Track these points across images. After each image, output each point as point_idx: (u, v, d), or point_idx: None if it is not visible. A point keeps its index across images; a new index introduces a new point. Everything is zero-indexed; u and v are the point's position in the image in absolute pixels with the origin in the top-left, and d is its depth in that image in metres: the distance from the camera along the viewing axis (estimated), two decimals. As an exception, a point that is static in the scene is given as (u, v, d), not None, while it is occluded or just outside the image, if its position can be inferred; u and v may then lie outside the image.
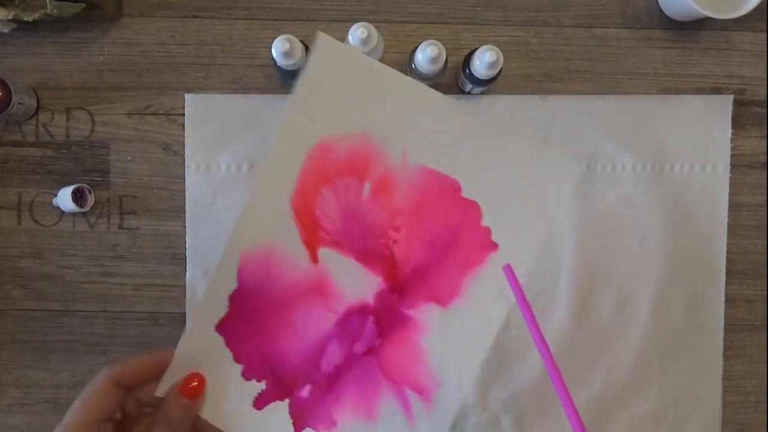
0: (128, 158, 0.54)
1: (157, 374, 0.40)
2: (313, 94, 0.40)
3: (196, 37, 0.54)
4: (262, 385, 0.42)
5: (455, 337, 0.41)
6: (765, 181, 0.55)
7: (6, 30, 0.51)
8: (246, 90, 0.54)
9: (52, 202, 0.53)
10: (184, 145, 0.53)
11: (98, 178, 0.54)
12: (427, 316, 0.41)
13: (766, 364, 0.55)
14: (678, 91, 0.54)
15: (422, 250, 0.42)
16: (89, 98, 0.54)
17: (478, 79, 0.49)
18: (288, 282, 0.42)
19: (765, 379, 0.55)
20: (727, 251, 0.54)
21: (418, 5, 0.54)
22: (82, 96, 0.54)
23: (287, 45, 0.46)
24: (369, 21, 0.47)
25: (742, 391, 0.55)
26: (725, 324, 0.55)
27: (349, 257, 0.42)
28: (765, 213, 0.55)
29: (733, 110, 0.54)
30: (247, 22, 0.54)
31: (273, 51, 0.47)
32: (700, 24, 0.54)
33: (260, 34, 0.54)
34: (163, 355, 0.41)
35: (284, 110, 0.51)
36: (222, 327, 0.42)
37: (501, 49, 0.47)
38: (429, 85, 0.48)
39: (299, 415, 0.42)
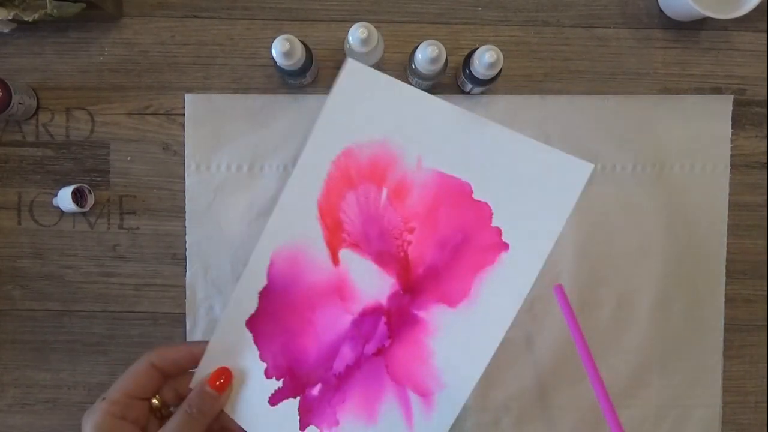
0: (128, 158, 0.54)
1: (192, 365, 0.44)
2: (339, 110, 0.43)
3: (196, 37, 0.54)
4: (279, 383, 0.44)
5: (462, 338, 0.41)
6: (765, 181, 0.55)
7: (6, 30, 0.51)
8: (246, 90, 0.54)
9: (52, 202, 0.53)
10: (184, 145, 0.53)
11: (98, 178, 0.54)
12: (436, 317, 0.42)
13: (766, 364, 0.55)
14: (678, 91, 0.54)
15: (434, 251, 0.42)
16: (89, 98, 0.54)
17: (478, 79, 0.49)
18: (312, 282, 0.44)
19: (765, 379, 0.55)
20: (727, 251, 0.54)
21: (418, 5, 0.54)
22: (82, 96, 0.54)
23: (287, 45, 0.46)
24: (369, 21, 0.47)
25: (742, 391, 0.55)
26: (725, 324, 0.55)
27: (367, 258, 0.43)
28: (765, 213, 0.55)
29: (733, 110, 0.54)
30: (247, 22, 0.54)
31: (273, 51, 0.47)
32: (700, 24, 0.54)
33: (260, 34, 0.54)
34: (196, 347, 0.44)
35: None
36: (252, 323, 0.44)
37: (501, 49, 0.47)
38: (429, 86, 0.49)
39: (306, 412, 0.44)
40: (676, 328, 0.54)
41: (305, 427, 0.43)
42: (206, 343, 0.44)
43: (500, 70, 0.49)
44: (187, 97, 0.53)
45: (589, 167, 0.39)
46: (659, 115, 0.54)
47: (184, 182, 0.54)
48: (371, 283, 0.43)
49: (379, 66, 0.52)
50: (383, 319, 0.43)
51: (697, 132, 0.54)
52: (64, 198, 0.51)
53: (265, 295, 0.44)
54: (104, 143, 0.54)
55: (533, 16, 0.54)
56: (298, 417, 0.43)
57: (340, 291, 0.44)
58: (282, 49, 0.46)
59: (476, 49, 0.48)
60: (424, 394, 0.42)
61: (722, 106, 0.54)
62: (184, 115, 0.53)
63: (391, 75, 0.52)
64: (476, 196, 0.41)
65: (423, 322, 0.42)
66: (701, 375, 0.55)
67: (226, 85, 0.54)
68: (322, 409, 0.43)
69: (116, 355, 0.55)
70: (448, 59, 0.49)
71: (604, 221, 0.54)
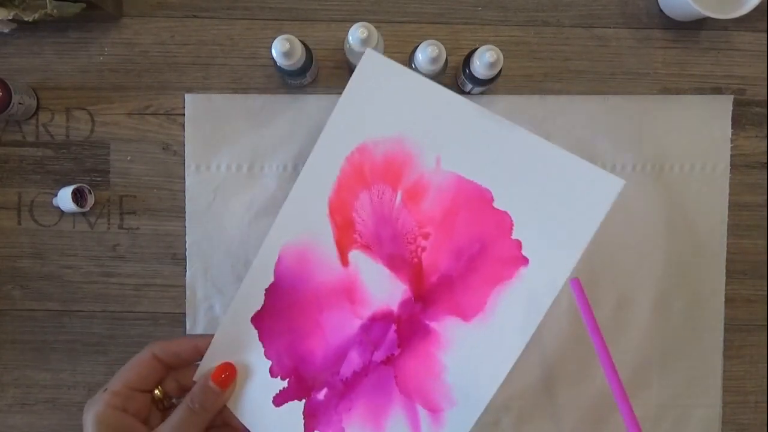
0: (128, 158, 0.54)
1: (195, 358, 0.43)
2: (355, 102, 0.41)
3: (196, 37, 0.54)
4: (284, 384, 0.43)
5: (475, 355, 0.39)
6: (765, 181, 0.55)
7: (6, 30, 0.51)
8: (246, 90, 0.54)
9: (52, 202, 0.53)
10: (184, 145, 0.53)
11: (98, 178, 0.54)
12: (448, 330, 0.40)
13: (766, 364, 0.55)
14: (678, 91, 0.54)
15: (449, 259, 0.40)
16: (89, 98, 0.54)
17: (478, 79, 0.49)
18: (320, 282, 0.43)
19: (765, 379, 0.55)
20: (727, 251, 0.54)
21: (418, 5, 0.54)
22: (82, 96, 0.54)
23: (287, 45, 0.46)
24: (369, 21, 0.47)
25: (742, 391, 0.55)
26: (725, 324, 0.55)
27: (378, 262, 0.42)
28: (765, 213, 0.55)
29: (733, 110, 0.54)
30: (247, 22, 0.54)
31: (273, 51, 0.47)
32: (700, 24, 0.54)
33: (260, 34, 0.54)
34: (201, 341, 0.44)
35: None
36: (257, 319, 0.43)
37: (501, 49, 0.47)
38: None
39: (311, 417, 0.42)
40: (676, 328, 0.54)
41: None
42: (210, 336, 0.43)
43: (500, 70, 0.49)
44: (187, 97, 0.53)
45: (619, 183, 0.37)
46: (659, 115, 0.54)
47: (184, 182, 0.54)
48: (382, 287, 0.42)
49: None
50: (393, 326, 0.41)
51: (697, 132, 0.54)
52: (64, 198, 0.51)
53: (271, 292, 0.43)
54: (104, 143, 0.54)
55: (533, 16, 0.54)
56: (303, 421, 0.42)
57: (349, 293, 0.42)
58: (282, 49, 0.46)
59: (476, 49, 0.48)
60: (434, 410, 0.40)
61: (722, 106, 0.54)
62: (184, 115, 0.53)
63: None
64: (497, 204, 0.39)
65: (435, 333, 0.40)
66: (701, 375, 0.55)
67: (225, 85, 0.54)
68: (328, 415, 0.42)
69: (116, 355, 0.54)
70: (448, 59, 0.49)
71: (604, 221, 0.54)
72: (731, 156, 0.54)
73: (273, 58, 0.47)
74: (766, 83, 0.55)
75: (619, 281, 0.54)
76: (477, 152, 0.40)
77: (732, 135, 0.54)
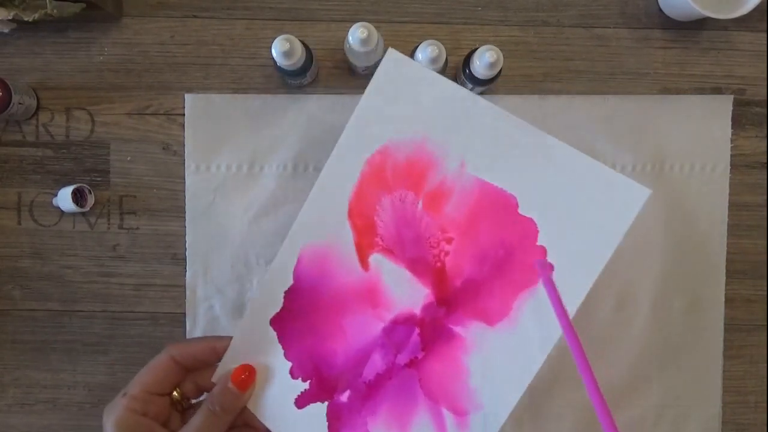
0: (128, 158, 0.54)
1: (213, 360, 0.43)
2: (376, 103, 0.41)
3: (196, 37, 0.54)
4: (306, 385, 0.43)
5: (500, 359, 0.39)
6: (765, 181, 0.55)
7: (6, 30, 0.51)
8: (246, 90, 0.54)
9: (52, 202, 0.53)
10: (184, 145, 0.53)
11: (98, 178, 0.54)
12: (473, 334, 0.40)
13: (766, 364, 0.55)
14: (678, 91, 0.54)
15: (473, 264, 0.40)
16: (89, 98, 0.54)
17: (478, 79, 0.49)
18: (341, 284, 0.42)
19: (765, 379, 0.55)
20: (727, 251, 0.54)
21: (418, 5, 0.54)
22: (82, 96, 0.54)
23: (287, 45, 0.46)
24: (369, 21, 0.47)
25: (742, 391, 0.55)
26: (725, 324, 0.55)
27: (400, 265, 0.42)
28: (765, 213, 0.55)
29: (733, 110, 0.54)
30: (247, 22, 0.54)
31: (273, 51, 0.47)
32: (700, 24, 0.54)
33: (260, 34, 0.54)
34: (219, 342, 0.43)
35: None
36: (276, 321, 0.43)
37: (501, 49, 0.47)
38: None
39: (335, 420, 0.42)
40: (676, 328, 0.54)
41: None
42: (228, 338, 0.43)
43: (500, 70, 0.49)
44: (187, 97, 0.53)
45: (645, 192, 0.37)
46: (659, 115, 0.54)
47: (184, 182, 0.54)
48: (404, 291, 0.41)
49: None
50: (416, 330, 0.41)
51: (697, 132, 0.54)
52: (64, 198, 0.51)
53: (290, 294, 0.43)
54: (104, 143, 0.54)
55: (533, 16, 0.54)
56: (327, 423, 0.42)
57: (371, 297, 0.42)
58: (282, 49, 0.46)
59: (476, 49, 0.48)
60: (459, 414, 0.40)
61: (722, 106, 0.54)
62: (184, 115, 0.53)
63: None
64: (522, 211, 0.39)
65: (459, 338, 0.40)
66: (701, 375, 0.55)
67: (225, 85, 0.54)
68: (352, 418, 0.42)
69: (116, 355, 0.55)
70: (448, 59, 0.49)
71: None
72: (731, 156, 0.54)
73: (273, 58, 0.47)
74: (766, 83, 0.55)
75: (618, 281, 0.54)
76: (502, 157, 0.40)
77: (732, 135, 0.54)
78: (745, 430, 0.55)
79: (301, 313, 0.43)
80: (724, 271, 0.54)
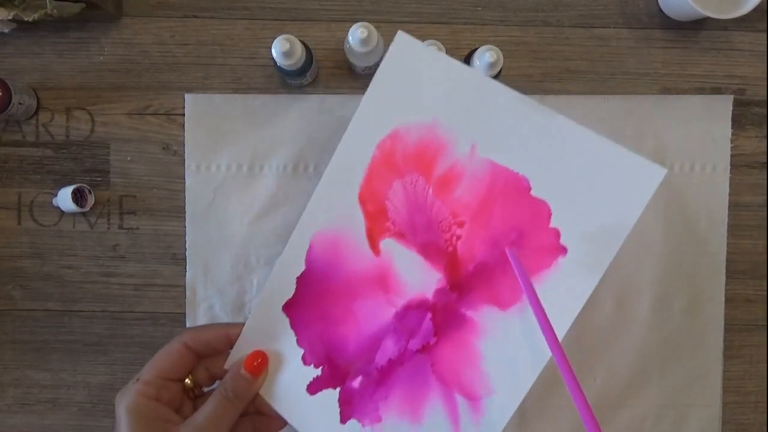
0: (128, 158, 0.54)
1: (226, 346, 0.43)
2: (387, 87, 0.41)
3: (196, 37, 0.54)
4: (318, 371, 0.43)
5: (513, 343, 0.39)
6: (765, 181, 0.55)
7: (6, 30, 0.51)
8: (246, 90, 0.54)
9: (52, 202, 0.53)
10: (184, 145, 0.53)
11: (98, 178, 0.54)
12: (485, 318, 0.40)
13: (766, 364, 0.55)
14: (678, 91, 0.54)
15: (485, 248, 0.40)
16: (89, 98, 0.54)
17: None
18: (352, 270, 0.42)
19: (765, 379, 0.55)
20: (727, 251, 0.54)
21: (418, 5, 0.54)
22: (82, 96, 0.54)
23: (287, 45, 0.46)
24: (369, 21, 0.47)
25: (742, 391, 0.55)
26: (725, 324, 0.55)
27: (411, 250, 0.42)
28: (765, 213, 0.55)
29: (733, 110, 0.54)
30: (247, 22, 0.54)
31: (273, 51, 0.47)
32: (700, 24, 0.54)
33: (260, 34, 0.54)
34: (232, 328, 0.43)
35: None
36: (289, 308, 0.43)
37: (501, 49, 0.47)
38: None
39: (347, 405, 0.42)
40: (676, 328, 0.54)
41: (346, 420, 0.42)
42: (241, 325, 0.43)
43: (500, 70, 0.49)
44: (187, 97, 0.53)
45: (661, 172, 0.37)
46: (659, 115, 0.54)
47: (184, 182, 0.54)
48: (416, 276, 0.41)
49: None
50: (428, 315, 0.41)
51: (697, 132, 0.54)
52: (64, 198, 0.51)
53: (303, 280, 0.43)
54: (104, 143, 0.54)
55: (533, 16, 0.54)
56: (339, 409, 0.42)
57: (382, 282, 0.42)
58: (282, 49, 0.46)
59: (476, 49, 0.48)
60: (473, 399, 0.40)
61: (722, 106, 0.54)
62: (184, 115, 0.53)
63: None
64: (534, 193, 0.39)
65: (472, 322, 0.40)
66: (701, 375, 0.55)
67: (225, 85, 0.54)
68: (364, 403, 0.42)
69: (116, 355, 0.55)
70: (448, 59, 0.49)
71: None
72: (731, 156, 0.54)
73: (273, 58, 0.47)
74: (766, 83, 0.55)
75: (618, 281, 0.54)
76: (513, 139, 0.39)
77: (732, 135, 0.54)
78: (745, 430, 0.55)
79: (313, 299, 0.43)
80: (724, 271, 0.54)
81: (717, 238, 0.54)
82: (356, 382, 0.42)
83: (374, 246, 0.42)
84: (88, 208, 0.53)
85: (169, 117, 0.54)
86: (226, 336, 0.43)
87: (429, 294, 0.41)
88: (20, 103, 0.50)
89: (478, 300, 0.40)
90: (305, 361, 0.43)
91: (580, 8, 0.54)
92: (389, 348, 0.42)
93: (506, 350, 0.39)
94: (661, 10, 0.54)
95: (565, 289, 0.38)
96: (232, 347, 0.43)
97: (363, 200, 0.42)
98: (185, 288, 0.54)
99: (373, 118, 0.41)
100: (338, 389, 0.42)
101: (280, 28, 0.54)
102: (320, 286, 0.43)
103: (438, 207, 0.41)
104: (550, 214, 0.39)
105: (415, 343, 0.42)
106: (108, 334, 0.54)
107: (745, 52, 0.55)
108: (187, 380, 0.42)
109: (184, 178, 0.54)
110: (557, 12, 0.54)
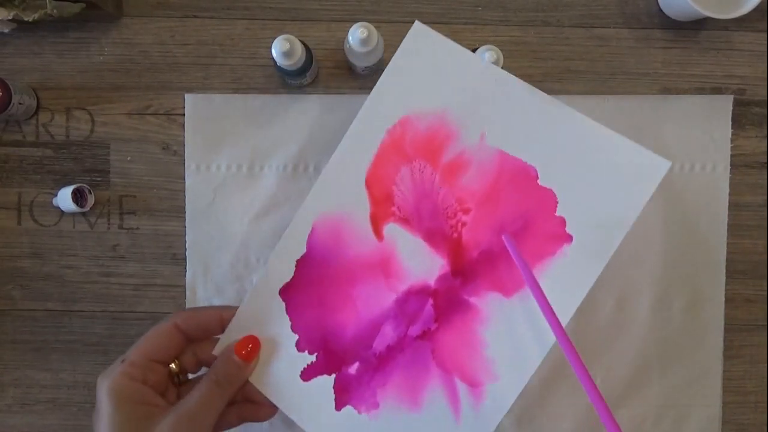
0: (128, 158, 0.54)
1: (217, 330, 0.42)
2: (400, 75, 0.41)
3: (196, 37, 0.54)
4: (312, 358, 0.42)
5: (517, 330, 0.39)
6: (765, 181, 0.55)
7: (6, 30, 0.51)
8: (246, 90, 0.54)
9: (52, 202, 0.53)
10: (184, 145, 0.53)
11: (98, 178, 0.54)
12: (489, 305, 0.40)
13: (766, 364, 0.55)
14: (678, 91, 0.54)
15: (490, 235, 0.40)
16: (89, 98, 0.54)
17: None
18: (354, 254, 0.42)
19: (765, 379, 0.55)
20: (727, 251, 0.54)
21: (418, 5, 0.54)
22: (82, 96, 0.54)
23: (287, 45, 0.46)
24: (369, 21, 0.47)
25: (742, 391, 0.55)
26: (725, 324, 0.55)
27: (416, 236, 0.42)
28: (765, 213, 0.55)
29: (733, 110, 0.54)
30: (247, 22, 0.54)
31: (273, 51, 0.47)
32: (700, 24, 0.54)
33: (260, 34, 0.54)
34: (226, 312, 0.42)
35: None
36: (286, 291, 0.42)
37: (501, 49, 0.47)
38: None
39: (343, 392, 0.42)
40: (676, 328, 0.54)
41: (342, 407, 0.41)
42: (235, 308, 0.42)
43: (500, 70, 0.49)
44: (187, 97, 0.53)
45: (665, 165, 0.38)
46: (659, 115, 0.54)
47: (184, 182, 0.54)
48: (419, 261, 0.41)
49: (379, 66, 0.52)
50: (430, 300, 0.41)
51: (697, 132, 0.54)
52: (64, 198, 0.51)
53: (302, 263, 0.42)
54: (104, 143, 0.54)
55: (533, 16, 0.54)
56: (334, 395, 0.42)
57: (384, 267, 0.42)
58: (282, 49, 0.46)
59: (476, 49, 0.48)
60: (474, 384, 0.40)
61: (722, 106, 0.54)
62: (184, 115, 0.53)
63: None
64: (541, 181, 0.40)
65: (475, 308, 0.40)
66: (701, 375, 0.55)
67: (226, 85, 0.54)
68: (361, 389, 0.41)
69: (116, 355, 0.54)
70: (448, 59, 0.49)
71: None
72: (731, 156, 0.54)
73: (273, 58, 0.47)
74: (766, 83, 0.55)
75: (618, 281, 0.54)
76: (522, 129, 0.40)
77: (732, 135, 0.54)
78: (745, 430, 0.55)
79: (312, 283, 0.42)
80: (724, 271, 0.54)
81: (717, 238, 0.54)
82: (353, 369, 0.42)
83: (378, 231, 0.42)
84: (88, 208, 0.53)
85: (169, 117, 0.54)
86: (219, 318, 0.41)
87: (431, 280, 0.41)
88: (20, 103, 0.50)
89: (481, 286, 0.41)
90: (299, 347, 0.42)
91: (580, 8, 0.54)
92: (388, 334, 0.42)
93: (510, 337, 0.40)
94: (661, 10, 0.54)
95: (570, 276, 0.39)
96: (223, 331, 0.42)
97: (369, 184, 0.42)
98: (185, 288, 0.54)
99: (384, 105, 0.42)
100: (333, 376, 0.42)
101: (280, 28, 0.54)
102: (320, 269, 0.42)
103: (444, 194, 0.41)
104: (557, 203, 0.40)
105: (415, 329, 0.41)
106: (108, 334, 0.54)
107: (745, 52, 0.55)
108: (172, 365, 0.40)
109: (184, 178, 0.54)
110: (557, 12, 0.54)
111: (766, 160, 0.55)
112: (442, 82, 0.41)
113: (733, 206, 0.54)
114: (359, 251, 0.42)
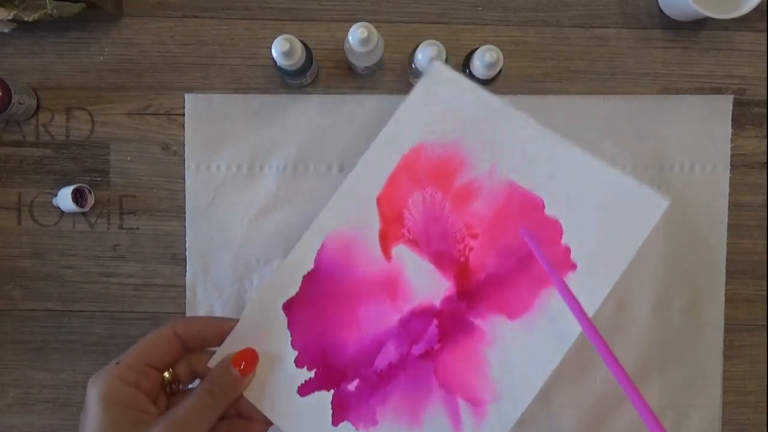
0: (128, 158, 0.54)
1: (216, 340, 0.41)
2: (418, 106, 0.44)
3: (196, 37, 0.54)
4: (311, 374, 0.42)
5: (520, 352, 0.41)
6: (765, 181, 0.55)
7: (6, 30, 0.51)
8: (246, 90, 0.54)
9: (52, 202, 0.53)
10: (184, 145, 0.53)
11: (98, 178, 0.54)
12: (494, 327, 0.41)
13: (766, 364, 0.55)
14: (678, 91, 0.54)
15: (497, 259, 0.42)
16: (89, 98, 0.54)
17: (478, 79, 0.49)
18: (361, 273, 0.43)
19: (765, 379, 0.55)
20: (727, 251, 0.54)
21: (418, 5, 0.54)
22: (82, 96, 0.54)
23: (287, 45, 0.46)
24: (369, 21, 0.47)
25: (742, 391, 0.55)
26: (725, 324, 0.55)
27: (424, 258, 0.43)
28: (765, 213, 0.55)
29: (733, 110, 0.54)
30: (247, 22, 0.54)
31: (273, 51, 0.47)
32: (700, 24, 0.54)
33: (260, 34, 0.54)
34: (226, 324, 0.41)
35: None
36: (289, 306, 0.43)
37: (501, 49, 0.47)
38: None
39: (341, 408, 0.42)
40: (676, 328, 0.54)
41: (339, 422, 0.41)
42: (235, 321, 0.41)
43: (500, 70, 0.49)
44: (187, 97, 0.53)
45: (663, 204, 0.40)
46: (659, 115, 0.54)
47: (184, 182, 0.54)
48: (426, 283, 0.42)
49: (379, 66, 0.52)
50: (434, 321, 0.42)
51: (697, 132, 0.54)
52: (64, 198, 0.51)
53: (309, 279, 0.43)
54: (104, 143, 0.54)
55: (533, 16, 0.54)
56: (331, 411, 0.42)
57: (390, 287, 0.43)
58: (282, 49, 0.46)
59: (476, 49, 0.48)
60: (477, 404, 0.41)
61: (722, 106, 0.54)
62: (184, 115, 0.53)
63: (391, 75, 0.52)
64: (548, 212, 0.42)
65: (480, 330, 0.41)
66: (701, 375, 0.55)
67: (226, 85, 0.54)
68: (360, 406, 0.42)
69: (116, 355, 0.54)
70: (448, 59, 0.49)
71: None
72: (731, 156, 0.54)
73: (273, 58, 0.47)
74: (766, 83, 0.55)
75: (618, 281, 0.53)
76: (531, 163, 0.42)
77: (732, 135, 0.54)
78: (745, 430, 0.55)
79: (316, 300, 0.43)
80: (724, 271, 0.54)
81: (717, 238, 0.54)
82: (352, 386, 0.42)
83: (386, 251, 0.43)
84: (88, 208, 0.53)
85: (169, 117, 0.54)
86: (219, 329, 0.41)
87: (437, 301, 0.42)
88: (20, 103, 0.50)
89: (486, 309, 0.42)
90: (298, 363, 0.42)
91: (580, 8, 0.54)
92: (390, 352, 0.42)
93: (513, 358, 0.41)
94: (661, 10, 0.54)
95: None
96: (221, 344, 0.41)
97: (381, 204, 0.43)
98: (185, 288, 0.54)
99: (401, 132, 0.44)
100: (332, 392, 0.42)
101: (280, 28, 0.54)
102: (326, 286, 0.43)
103: (454, 219, 0.43)
104: (562, 232, 0.41)
105: (418, 349, 0.42)
106: (108, 334, 0.54)
107: (745, 52, 0.55)
108: (166, 373, 0.39)
109: (184, 178, 0.54)
110: (557, 12, 0.54)
111: (766, 160, 0.55)
112: (457, 116, 0.43)
113: (733, 206, 0.54)
114: (367, 270, 0.43)
